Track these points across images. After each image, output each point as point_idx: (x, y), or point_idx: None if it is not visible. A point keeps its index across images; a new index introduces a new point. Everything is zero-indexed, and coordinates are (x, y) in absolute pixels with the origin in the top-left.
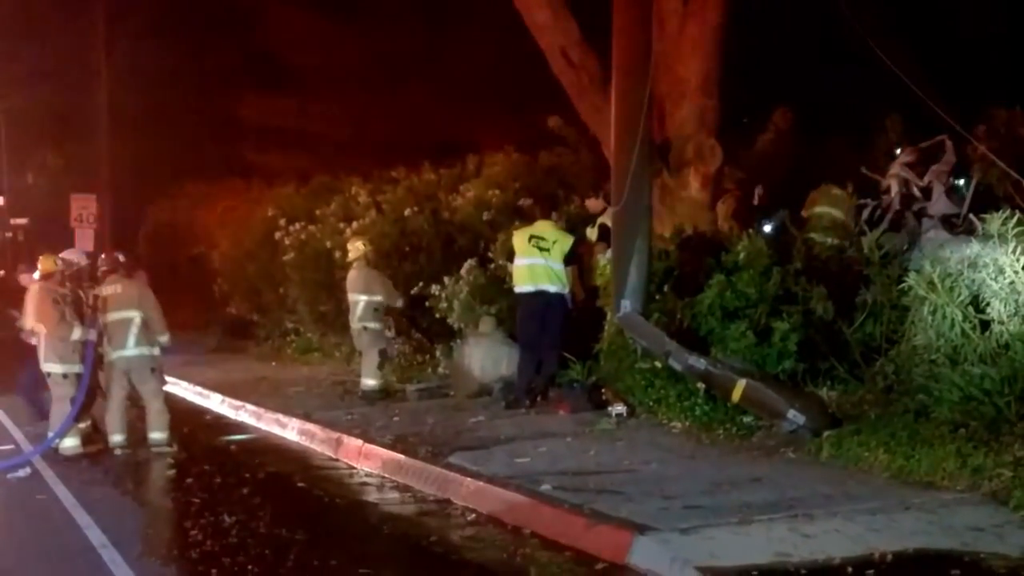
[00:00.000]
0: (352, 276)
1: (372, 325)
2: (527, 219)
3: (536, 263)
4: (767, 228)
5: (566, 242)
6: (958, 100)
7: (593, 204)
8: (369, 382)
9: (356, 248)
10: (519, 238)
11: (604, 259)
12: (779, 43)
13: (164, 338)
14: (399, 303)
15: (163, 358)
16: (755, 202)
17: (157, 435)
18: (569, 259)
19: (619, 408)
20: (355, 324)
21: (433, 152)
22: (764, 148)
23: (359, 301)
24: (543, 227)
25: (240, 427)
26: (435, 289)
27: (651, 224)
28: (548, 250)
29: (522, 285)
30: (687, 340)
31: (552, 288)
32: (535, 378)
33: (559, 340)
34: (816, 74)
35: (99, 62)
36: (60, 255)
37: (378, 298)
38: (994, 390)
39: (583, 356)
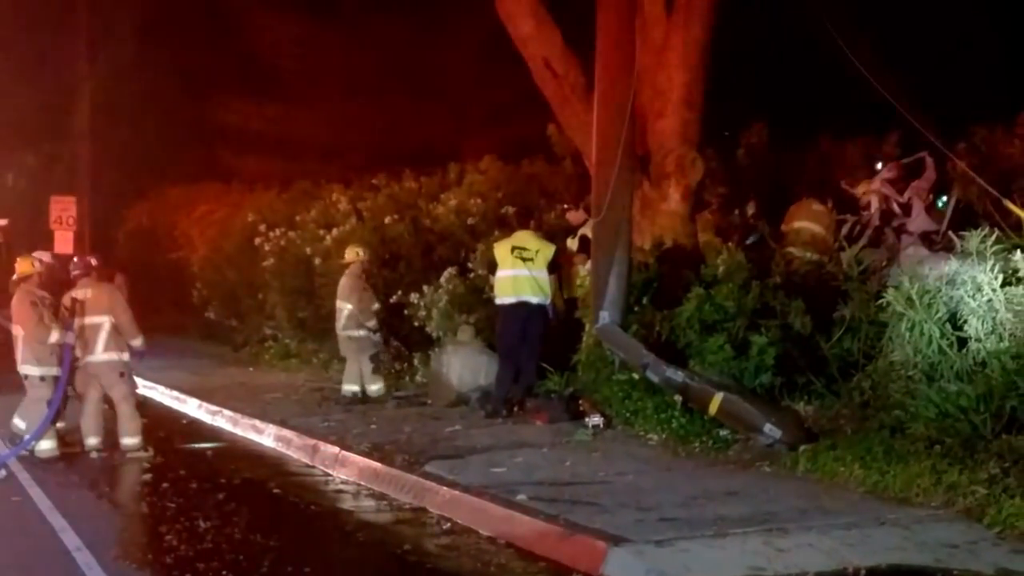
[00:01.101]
0: (341, 283)
1: (355, 333)
2: (508, 229)
3: (520, 274)
4: (748, 241)
5: (548, 250)
6: (939, 117)
7: (574, 216)
8: (372, 387)
9: (352, 254)
10: (501, 249)
11: (584, 270)
12: (761, 57)
13: (137, 341)
14: (370, 322)
15: (138, 362)
16: (737, 215)
17: (128, 440)
18: (552, 267)
19: (596, 419)
20: (339, 332)
21: (414, 160)
22: (744, 162)
23: (343, 309)
24: (524, 237)
25: (216, 432)
26: (414, 297)
27: (631, 236)
28: (532, 260)
29: (504, 296)
30: (665, 352)
31: (534, 299)
32: (513, 388)
33: (538, 350)
34: (798, 90)
35: (81, 63)
36: (33, 254)
37: (353, 307)
38: (970, 407)
39: (561, 367)
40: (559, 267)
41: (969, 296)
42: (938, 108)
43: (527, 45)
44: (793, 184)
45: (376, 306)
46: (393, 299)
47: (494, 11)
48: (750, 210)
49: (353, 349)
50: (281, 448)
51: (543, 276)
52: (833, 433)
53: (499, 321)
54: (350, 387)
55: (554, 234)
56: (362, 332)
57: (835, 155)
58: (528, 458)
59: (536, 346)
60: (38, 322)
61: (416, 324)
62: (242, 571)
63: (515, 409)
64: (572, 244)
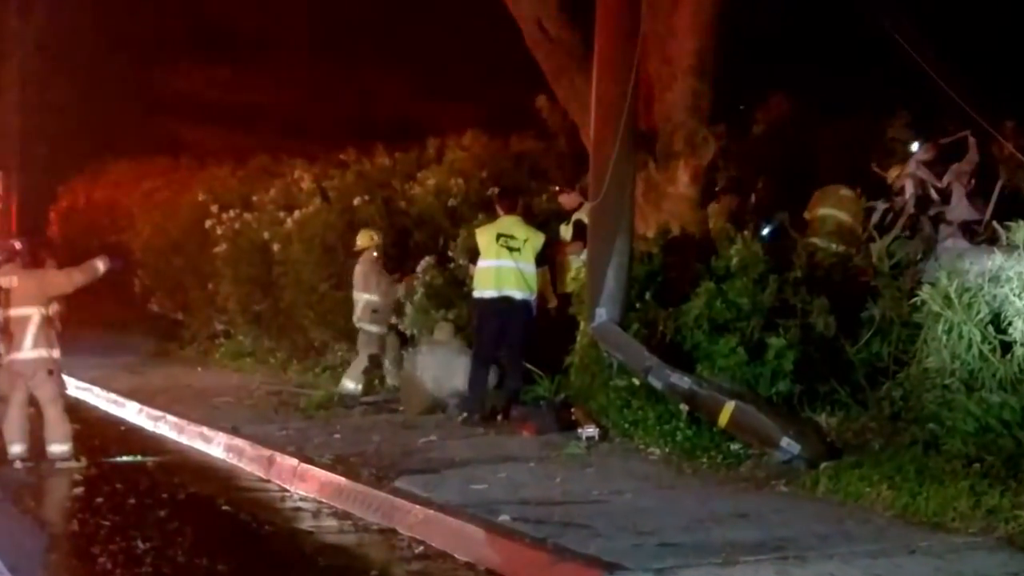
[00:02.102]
0: (356, 271)
1: (369, 327)
2: (493, 213)
3: (505, 265)
4: (765, 231)
5: (538, 240)
6: (984, 92)
7: (568, 199)
8: (348, 384)
9: (366, 238)
10: (485, 236)
11: (579, 261)
12: (783, 21)
13: (101, 264)
14: (377, 322)
15: (120, 265)
16: (752, 200)
17: (57, 447)
18: (540, 259)
19: (590, 430)
20: (356, 324)
21: (388, 133)
22: (762, 140)
23: (359, 300)
24: (512, 224)
25: (158, 441)
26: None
27: (633, 222)
28: (519, 250)
29: (484, 289)
30: (670, 355)
31: (518, 294)
32: (496, 394)
33: (522, 352)
34: (825, 57)
35: (10, 18)
36: None
37: (375, 298)
38: (1014, 421)
39: (551, 370)
40: (548, 260)
41: (1015, 295)
42: (983, 81)
43: (518, 3)
44: (817, 166)
45: (400, 293)
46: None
47: None
48: (757, 189)
49: (361, 342)
50: (232, 459)
51: (530, 269)
52: (859, 449)
53: (476, 316)
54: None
55: (546, 220)
56: (377, 328)
57: (866, 133)
58: (513, 473)
59: (519, 347)
60: None
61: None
62: None
63: (499, 418)
64: (566, 231)
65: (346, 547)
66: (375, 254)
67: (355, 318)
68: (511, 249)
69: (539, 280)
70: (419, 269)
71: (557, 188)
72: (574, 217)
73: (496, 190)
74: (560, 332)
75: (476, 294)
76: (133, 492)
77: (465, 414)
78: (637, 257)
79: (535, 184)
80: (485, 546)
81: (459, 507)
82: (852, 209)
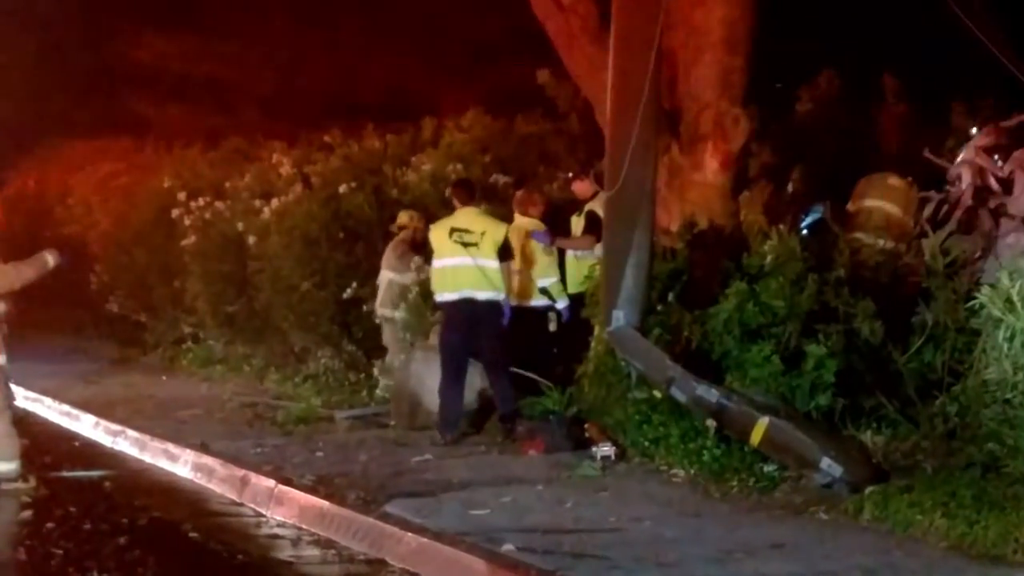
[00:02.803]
0: (387, 250)
1: (388, 313)
2: (498, 203)
3: (462, 263)
4: (804, 223)
5: (498, 231)
6: None
7: (581, 187)
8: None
9: (406, 217)
10: (437, 233)
11: (593, 257)
12: None
13: (51, 257)
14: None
15: (64, 261)
16: (789, 190)
17: (3, 465)
18: (503, 253)
19: (606, 449)
20: (377, 311)
21: (378, 112)
22: (804, 122)
23: (382, 280)
24: (466, 217)
25: (118, 458)
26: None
27: (654, 214)
28: (476, 244)
29: (443, 292)
30: (696, 364)
31: (481, 294)
32: (504, 414)
33: (501, 357)
34: (876, 31)
35: None
36: None
37: (401, 278)
38: None
39: (563, 381)
40: (510, 253)
41: None
42: None
43: None
44: (865, 152)
45: (409, 278)
46: (348, 292)
47: None
48: (793, 179)
49: (388, 335)
50: (201, 480)
51: (492, 265)
52: (908, 471)
53: (441, 323)
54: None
55: (556, 211)
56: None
57: (919, 117)
58: (518, 497)
59: (497, 352)
60: None
61: (378, 323)
62: None
63: (510, 437)
64: (577, 223)
65: None
66: (410, 235)
67: (376, 304)
68: (466, 244)
69: (505, 276)
70: (413, 266)
71: (570, 175)
72: (587, 207)
73: (504, 178)
74: (572, 338)
75: (437, 298)
76: (88, 516)
77: (438, 435)
78: (659, 253)
79: (544, 170)
80: None
81: (457, 535)
82: (902, 201)
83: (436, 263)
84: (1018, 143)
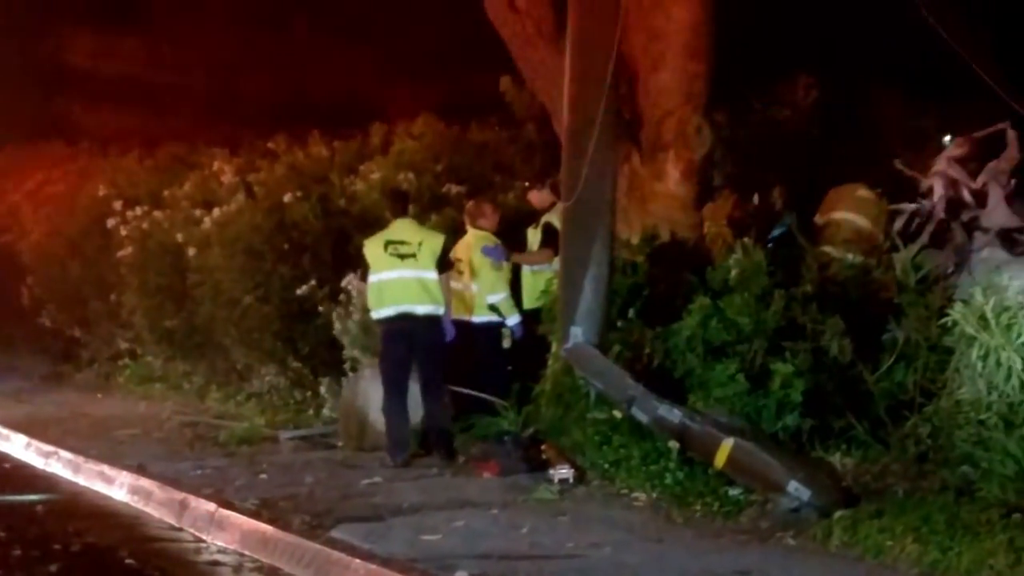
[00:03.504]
0: None
1: None
2: (456, 211)
3: (400, 276)
4: (770, 236)
5: (435, 242)
6: None
7: (538, 197)
8: None
9: None
10: (372, 247)
11: (550, 271)
12: None
13: None
14: None
15: None
16: (755, 201)
17: None
18: (443, 264)
19: (564, 471)
20: None
21: (325, 118)
22: (770, 130)
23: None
24: (401, 228)
25: (50, 481)
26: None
27: (613, 226)
28: (413, 256)
29: (380, 308)
30: (658, 383)
31: (420, 308)
32: (435, 432)
33: (440, 375)
34: (843, 38)
35: None
36: None
37: None
38: None
39: (518, 401)
40: (450, 265)
41: None
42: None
43: None
44: (832, 161)
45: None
46: (303, 289)
47: None
48: (780, 200)
49: None
50: (138, 504)
51: (431, 276)
52: (879, 495)
53: (380, 340)
54: None
55: (511, 223)
56: None
57: (889, 125)
58: (472, 522)
59: (437, 370)
60: None
61: (324, 339)
62: None
63: (450, 459)
64: (534, 236)
65: None
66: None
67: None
68: (403, 256)
69: (444, 289)
70: (344, 283)
71: (527, 184)
72: (543, 219)
73: (456, 188)
74: (528, 355)
75: (373, 315)
76: (19, 541)
77: (388, 457)
78: (619, 267)
79: (499, 179)
80: None
81: (407, 561)
82: (872, 213)
83: (372, 278)
84: (992, 154)
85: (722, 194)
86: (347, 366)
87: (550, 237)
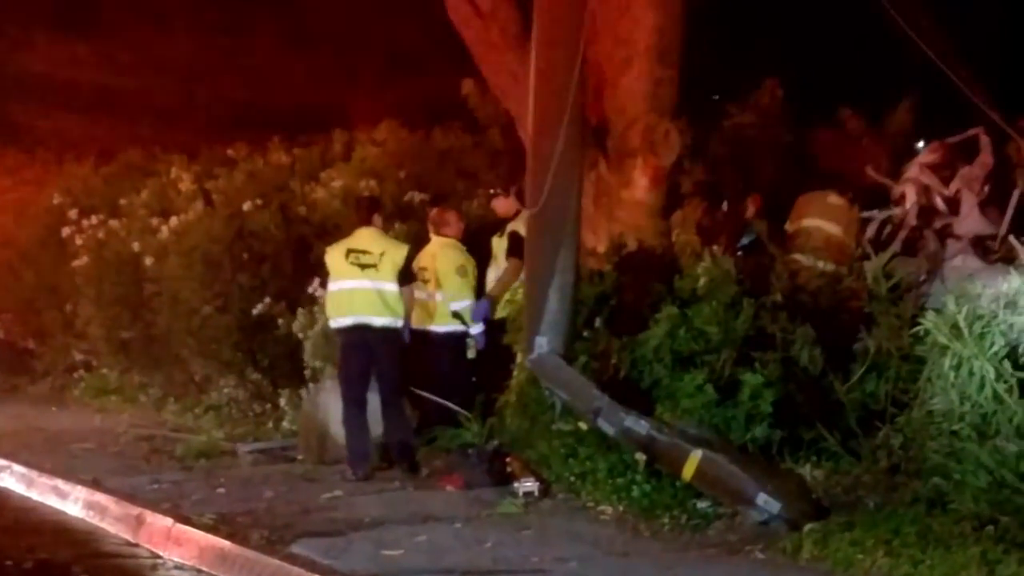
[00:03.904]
0: None
1: None
2: (415, 221)
3: (359, 286)
4: (739, 244)
5: (398, 253)
6: (1000, 82)
7: (503, 204)
8: None
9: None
10: (334, 255)
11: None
12: None
13: None
14: None
15: None
16: (724, 208)
17: None
18: (405, 276)
19: (528, 484)
20: None
21: (285, 124)
22: (740, 136)
23: None
24: (364, 237)
25: (2, 496)
26: (281, 313)
27: (579, 234)
28: (374, 266)
29: (338, 317)
30: (624, 394)
31: (378, 320)
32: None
33: (400, 387)
34: (813, 43)
35: None
36: None
37: None
38: None
39: (482, 412)
40: (412, 277)
41: None
42: (998, 72)
43: None
44: (804, 167)
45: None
46: (255, 314)
47: None
48: (751, 208)
49: None
50: (93, 519)
51: (391, 288)
52: (850, 507)
53: (338, 351)
54: None
55: (476, 231)
56: None
57: (859, 131)
58: (435, 536)
59: (395, 383)
60: None
61: (285, 350)
62: None
63: (412, 472)
64: (499, 245)
65: None
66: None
67: None
68: (363, 266)
69: (404, 301)
70: (310, 290)
71: (492, 191)
72: (509, 227)
73: (419, 196)
74: (492, 366)
75: (332, 324)
76: None
77: (349, 470)
78: (585, 276)
79: (463, 186)
80: None
81: None
82: (843, 220)
83: (331, 286)
84: (964, 160)
85: (691, 201)
86: (308, 373)
87: (516, 246)
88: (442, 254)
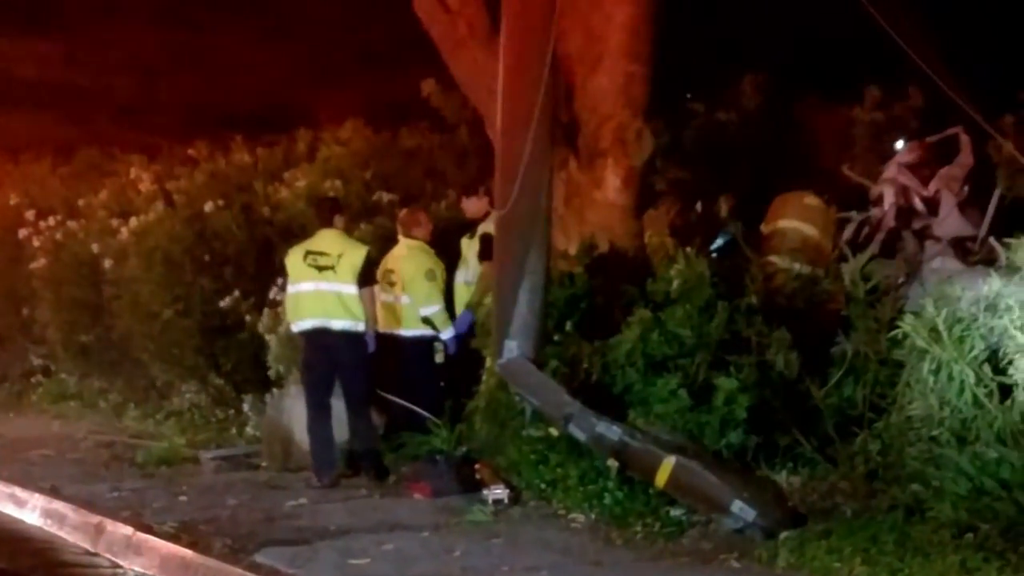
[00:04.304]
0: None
1: None
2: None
3: (317, 289)
4: (714, 246)
5: (356, 254)
6: (980, 81)
7: (473, 205)
8: None
9: None
10: (292, 257)
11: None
12: None
13: None
14: None
15: None
16: (698, 209)
17: None
18: (364, 278)
19: (498, 491)
20: None
21: (248, 123)
22: (714, 135)
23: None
24: (324, 239)
25: None
26: (245, 315)
27: (550, 236)
28: (332, 268)
29: (297, 320)
30: (596, 399)
31: (338, 323)
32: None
33: (365, 392)
34: (792, 37)
35: None
36: None
37: None
38: (1015, 481)
39: (451, 418)
40: (372, 279)
41: (1016, 328)
42: (979, 68)
43: None
44: (777, 167)
45: None
46: (226, 301)
47: None
48: (724, 207)
49: None
50: (52, 527)
51: (349, 291)
52: (827, 514)
53: (300, 355)
54: None
55: (445, 233)
56: None
57: (835, 128)
58: (402, 545)
59: (360, 388)
60: None
61: (248, 354)
62: None
63: (379, 479)
64: (469, 246)
65: None
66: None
67: None
68: (321, 268)
69: (365, 304)
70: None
71: (471, 191)
72: (480, 229)
73: (388, 196)
74: (461, 371)
75: (292, 327)
76: None
77: (314, 477)
78: (555, 278)
79: (431, 186)
80: None
81: None
82: (820, 221)
83: (290, 288)
84: (944, 160)
85: (664, 202)
86: (271, 373)
87: (488, 248)
88: (410, 257)
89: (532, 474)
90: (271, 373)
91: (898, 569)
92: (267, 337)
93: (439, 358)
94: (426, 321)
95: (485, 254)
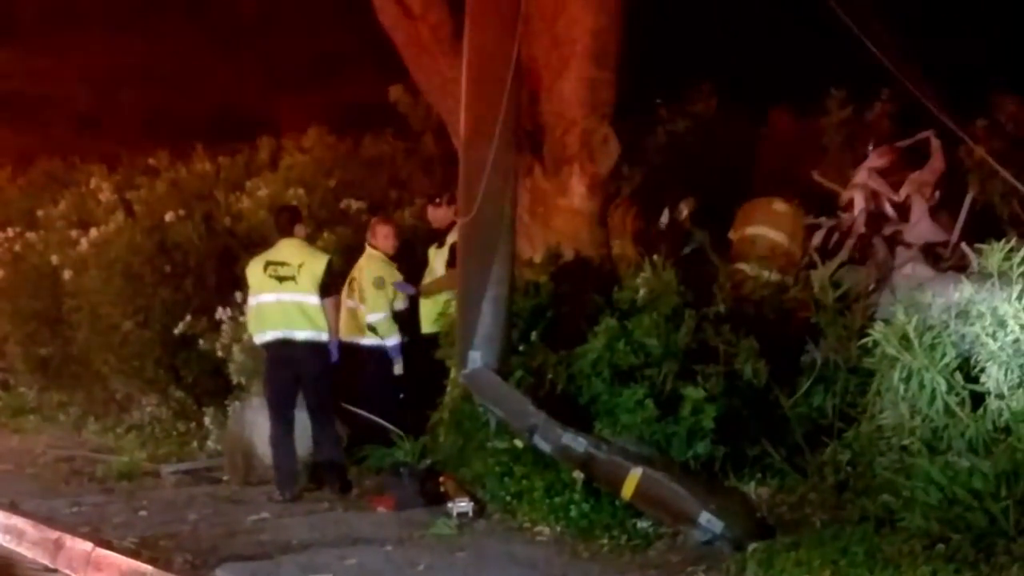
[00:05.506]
0: None
1: None
2: (351, 228)
3: (278, 300)
4: (681, 255)
5: (317, 264)
6: (951, 84)
7: (438, 214)
8: None
9: None
10: (253, 268)
11: (448, 292)
12: None
13: None
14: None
15: None
16: (665, 217)
17: None
18: (327, 288)
19: (463, 504)
20: None
21: (209, 131)
22: (682, 141)
23: None
24: (284, 248)
25: None
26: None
27: (514, 244)
28: (292, 278)
29: (259, 331)
30: (561, 410)
31: (300, 333)
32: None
33: (328, 404)
34: (760, 43)
35: None
36: None
37: None
38: (987, 491)
39: (415, 430)
40: (333, 289)
41: (988, 335)
42: (949, 71)
43: None
44: (749, 173)
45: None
46: (177, 330)
47: None
48: (685, 210)
49: None
50: (10, 543)
51: (311, 301)
52: (796, 526)
53: (263, 367)
54: None
55: (410, 241)
56: None
57: (803, 134)
58: (365, 559)
59: (324, 400)
60: None
61: (209, 367)
62: None
63: (343, 491)
64: (436, 256)
65: None
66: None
67: None
68: (282, 279)
69: (328, 314)
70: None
71: (437, 200)
72: (449, 239)
73: (356, 203)
74: (425, 382)
75: (255, 339)
76: None
77: (276, 491)
78: (520, 287)
79: (396, 194)
80: None
81: None
82: (788, 227)
83: (251, 300)
84: (915, 164)
85: (630, 210)
86: (235, 382)
87: (455, 256)
88: (366, 265)
89: (497, 486)
90: (233, 383)
91: None
92: (230, 348)
93: (398, 369)
94: (371, 328)
95: (453, 263)
